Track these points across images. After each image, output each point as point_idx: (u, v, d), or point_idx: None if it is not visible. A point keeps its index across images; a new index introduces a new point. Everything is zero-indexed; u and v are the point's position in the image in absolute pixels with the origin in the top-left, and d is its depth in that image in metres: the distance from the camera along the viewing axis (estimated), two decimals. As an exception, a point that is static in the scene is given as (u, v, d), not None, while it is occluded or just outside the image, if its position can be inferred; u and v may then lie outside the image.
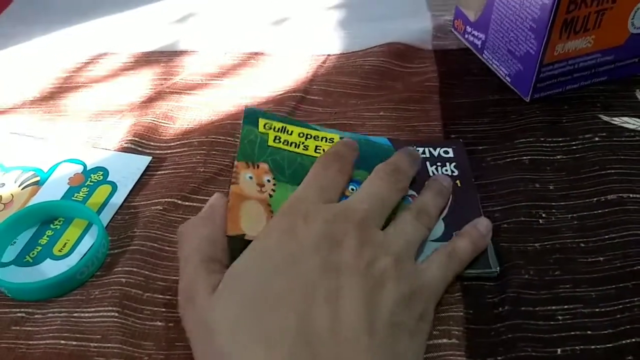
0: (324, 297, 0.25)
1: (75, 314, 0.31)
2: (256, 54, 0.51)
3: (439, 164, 0.37)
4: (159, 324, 0.30)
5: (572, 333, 0.28)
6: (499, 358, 0.28)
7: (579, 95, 0.44)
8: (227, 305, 0.25)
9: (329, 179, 0.32)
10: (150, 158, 0.40)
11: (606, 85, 0.45)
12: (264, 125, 0.35)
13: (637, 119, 0.42)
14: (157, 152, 0.41)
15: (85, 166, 0.40)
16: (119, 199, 0.38)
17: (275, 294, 0.25)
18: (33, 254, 0.34)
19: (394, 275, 0.27)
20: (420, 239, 0.31)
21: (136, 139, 0.41)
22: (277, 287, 0.25)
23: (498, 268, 0.31)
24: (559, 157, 0.38)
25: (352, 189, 0.33)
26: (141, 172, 0.39)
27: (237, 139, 0.41)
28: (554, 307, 0.30)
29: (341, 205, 0.30)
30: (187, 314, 0.27)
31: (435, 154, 0.38)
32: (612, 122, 0.42)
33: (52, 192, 0.38)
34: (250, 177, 0.32)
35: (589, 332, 0.28)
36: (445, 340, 0.29)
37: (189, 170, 0.39)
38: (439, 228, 0.33)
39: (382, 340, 0.25)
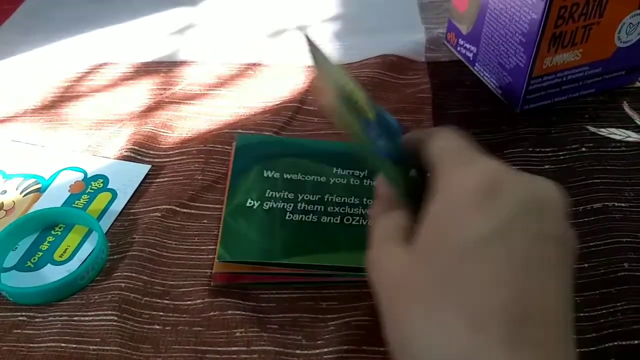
0: (542, 270, 0.21)
1: (75, 318, 0.32)
2: (254, 64, 0.52)
3: None
4: (157, 327, 0.31)
5: (558, 337, 0.29)
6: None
7: (567, 107, 0.45)
8: (423, 272, 0.22)
9: None
10: (149, 166, 0.41)
11: (594, 97, 0.46)
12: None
13: (624, 130, 0.43)
14: (156, 160, 0.42)
15: (85, 174, 0.41)
16: (118, 206, 0.38)
17: (479, 263, 0.21)
18: (34, 259, 0.35)
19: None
20: None
21: (136, 147, 0.42)
22: (482, 256, 0.21)
23: None
24: (547, 166, 0.40)
25: None
26: (140, 179, 0.40)
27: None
28: (540, 312, 0.31)
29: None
30: (374, 273, 0.24)
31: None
32: (599, 132, 0.43)
33: (53, 199, 0.39)
34: None
35: (573, 336, 0.29)
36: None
37: (187, 178, 0.40)
38: None
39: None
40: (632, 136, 0.42)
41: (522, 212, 0.22)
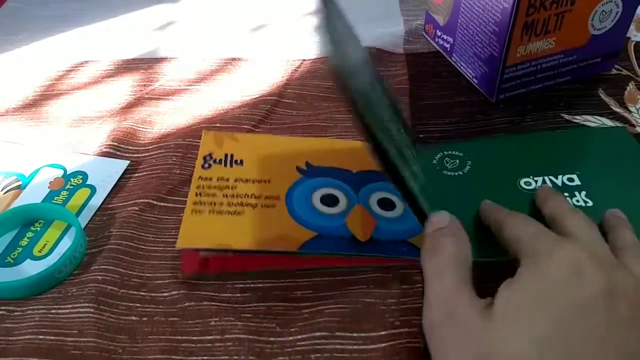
0: (616, 347, 0.24)
1: (53, 311, 0.32)
2: (233, 59, 0.53)
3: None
4: (134, 318, 0.32)
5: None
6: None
7: (543, 95, 0.46)
8: (511, 344, 0.24)
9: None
10: (128, 162, 0.41)
11: (570, 85, 0.46)
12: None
13: (599, 117, 0.44)
14: (135, 155, 0.42)
15: (65, 170, 0.41)
16: (97, 201, 0.39)
17: (567, 338, 0.24)
18: (14, 255, 0.36)
19: None
20: None
21: (115, 143, 0.43)
22: (569, 331, 0.24)
23: None
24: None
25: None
26: (119, 175, 0.41)
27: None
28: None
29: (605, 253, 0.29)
30: (447, 333, 0.26)
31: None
32: (574, 120, 0.43)
33: (33, 195, 0.40)
34: None
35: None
36: (405, 329, 0.30)
37: (165, 172, 0.40)
38: None
39: None
40: (607, 123, 0.43)
41: (602, 296, 0.25)
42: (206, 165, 0.37)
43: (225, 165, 0.37)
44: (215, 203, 0.34)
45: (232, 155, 0.38)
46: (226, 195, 0.35)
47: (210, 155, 0.38)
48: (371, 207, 0.36)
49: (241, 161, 0.38)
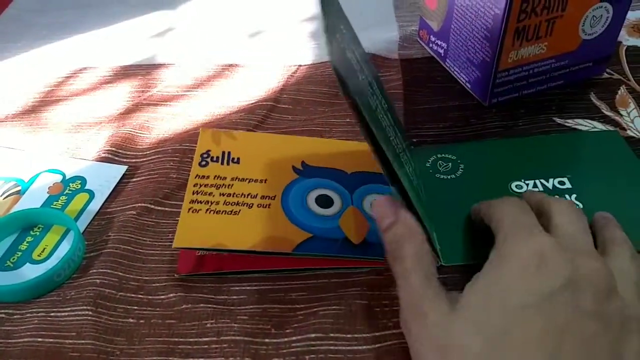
0: (575, 341, 0.24)
1: (51, 314, 0.33)
2: (230, 65, 0.53)
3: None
4: (131, 320, 0.32)
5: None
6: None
7: (535, 100, 0.46)
8: (465, 337, 0.25)
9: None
10: (126, 167, 0.42)
11: (562, 89, 0.47)
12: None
13: (590, 120, 0.44)
14: (133, 160, 0.43)
15: (64, 176, 0.42)
16: (95, 205, 0.39)
17: (523, 332, 0.24)
18: (14, 259, 0.36)
19: (637, 328, 0.25)
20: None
21: (113, 149, 0.43)
22: (525, 326, 0.24)
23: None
24: (513, 157, 0.41)
25: None
26: (117, 180, 0.41)
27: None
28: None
29: (586, 243, 0.28)
30: (415, 329, 0.27)
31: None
32: (566, 124, 0.44)
33: (33, 200, 0.40)
34: None
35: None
36: (398, 330, 0.30)
37: (162, 176, 0.41)
38: None
39: None
40: (598, 127, 0.44)
41: (565, 287, 0.25)
42: (203, 163, 0.37)
43: (222, 163, 0.37)
44: (212, 202, 0.35)
45: (229, 153, 0.38)
46: (223, 194, 0.35)
47: (207, 152, 0.38)
48: (365, 209, 0.36)
49: (238, 159, 0.38)
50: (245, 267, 0.34)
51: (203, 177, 0.36)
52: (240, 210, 0.35)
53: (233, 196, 0.35)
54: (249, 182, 0.36)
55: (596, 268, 0.26)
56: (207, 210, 0.34)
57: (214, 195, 0.35)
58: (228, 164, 0.37)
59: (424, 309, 0.26)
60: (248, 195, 0.36)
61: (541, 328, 0.24)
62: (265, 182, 0.37)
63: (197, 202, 0.34)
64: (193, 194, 0.35)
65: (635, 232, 0.31)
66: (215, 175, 0.36)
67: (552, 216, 0.29)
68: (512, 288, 0.25)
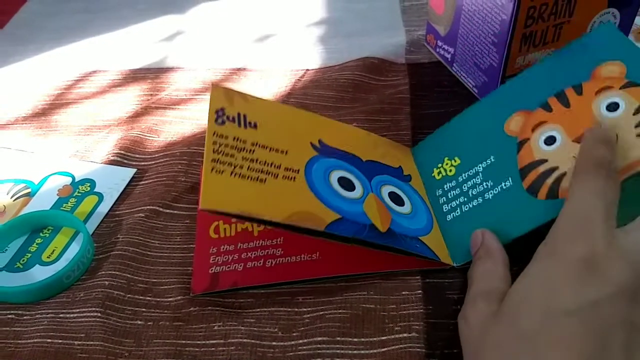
0: (618, 346, 0.23)
1: (60, 315, 0.33)
2: (239, 69, 0.54)
3: None
4: (139, 322, 0.32)
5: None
6: (456, 350, 0.30)
7: (542, 105, 0.46)
8: (498, 336, 0.25)
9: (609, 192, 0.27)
10: (135, 170, 0.42)
11: (569, 95, 0.47)
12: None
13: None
14: (142, 163, 0.43)
15: (73, 178, 0.42)
16: (104, 208, 0.40)
17: (560, 336, 0.23)
18: (23, 260, 0.37)
19: None
20: None
21: (122, 152, 0.44)
22: (566, 329, 0.23)
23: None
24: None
25: None
26: (126, 183, 0.42)
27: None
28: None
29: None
30: (462, 331, 0.28)
31: None
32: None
33: (42, 202, 0.41)
34: None
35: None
36: (405, 335, 0.31)
37: (170, 179, 0.41)
38: None
39: None
40: (605, 132, 0.43)
41: (615, 296, 0.23)
42: (220, 121, 0.33)
43: (240, 125, 0.33)
44: (235, 165, 0.31)
45: (245, 116, 0.34)
46: (245, 159, 0.32)
47: (222, 110, 0.33)
48: (384, 199, 0.35)
49: (255, 124, 0.34)
50: (260, 281, 0.34)
51: (221, 136, 0.32)
52: (266, 179, 0.32)
53: (257, 162, 0.32)
54: (270, 150, 0.33)
55: None
56: (231, 173, 0.31)
57: (235, 158, 0.32)
58: (245, 127, 0.34)
59: (467, 312, 0.28)
60: (272, 164, 0.33)
61: (581, 335, 0.23)
62: (286, 153, 0.34)
63: (220, 163, 0.31)
64: (214, 152, 0.31)
65: None
66: (235, 137, 0.33)
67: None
68: (557, 292, 0.24)
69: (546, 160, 0.33)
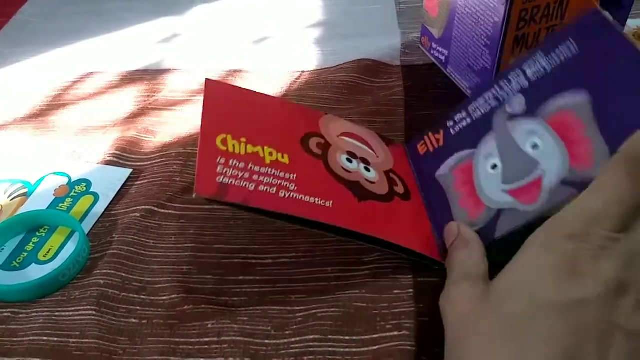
0: (597, 345, 0.23)
1: (56, 313, 0.33)
2: (235, 71, 0.54)
3: None
4: (134, 320, 0.33)
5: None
6: (446, 347, 0.30)
7: (535, 106, 0.47)
8: (485, 322, 0.25)
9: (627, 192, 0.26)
10: (130, 170, 0.43)
11: (562, 96, 0.47)
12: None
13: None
14: (138, 164, 0.44)
15: (70, 178, 0.43)
16: (100, 208, 0.40)
17: (546, 327, 0.24)
18: (20, 259, 0.37)
19: None
20: None
21: (118, 152, 0.44)
22: (550, 321, 0.24)
23: None
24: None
25: None
26: (122, 183, 0.42)
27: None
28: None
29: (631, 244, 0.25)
30: (447, 315, 0.28)
31: None
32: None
33: (39, 202, 0.41)
34: None
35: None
36: (396, 333, 0.31)
37: (166, 180, 0.41)
38: None
39: None
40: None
41: (601, 295, 0.24)
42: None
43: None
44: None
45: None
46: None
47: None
48: None
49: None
50: (273, 207, 0.31)
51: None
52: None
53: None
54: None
55: (632, 281, 0.24)
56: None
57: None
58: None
59: (452, 294, 0.29)
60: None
61: (565, 328, 0.23)
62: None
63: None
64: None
65: None
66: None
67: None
68: (547, 281, 0.25)
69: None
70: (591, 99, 0.31)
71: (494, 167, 0.34)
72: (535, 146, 0.33)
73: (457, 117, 0.39)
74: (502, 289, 0.26)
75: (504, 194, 0.33)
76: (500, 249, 0.29)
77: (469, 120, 0.38)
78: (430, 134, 0.41)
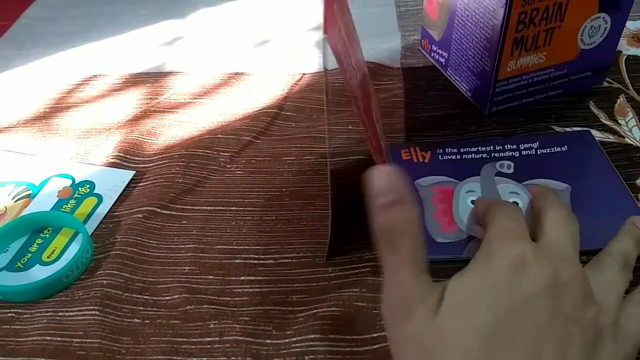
0: (554, 341, 0.24)
1: (60, 313, 0.34)
2: (237, 74, 0.54)
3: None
4: (137, 320, 0.33)
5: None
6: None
7: (535, 108, 0.47)
8: (455, 335, 0.25)
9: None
10: (133, 172, 0.43)
11: (562, 98, 0.48)
12: None
13: (589, 129, 0.45)
14: (141, 165, 0.44)
15: (73, 180, 0.43)
16: (104, 209, 0.41)
17: (509, 330, 0.24)
18: (24, 260, 0.37)
19: (611, 336, 0.27)
20: (623, 293, 0.30)
21: (121, 154, 0.45)
22: (511, 324, 0.24)
23: None
24: (511, 165, 0.42)
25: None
26: (125, 184, 0.42)
27: (215, 152, 0.44)
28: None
29: (569, 251, 0.29)
30: (400, 328, 0.26)
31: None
32: (564, 132, 0.45)
33: (43, 204, 0.41)
34: None
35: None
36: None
37: (168, 181, 0.42)
38: None
39: None
40: (596, 135, 0.44)
41: (544, 291, 0.25)
42: None
43: None
44: None
45: None
46: None
47: None
48: None
49: None
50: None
51: None
52: None
53: None
54: None
55: (574, 275, 0.27)
56: None
57: None
58: None
59: (412, 308, 0.25)
60: None
61: (524, 328, 0.24)
62: None
63: None
64: None
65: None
66: None
67: (544, 224, 0.31)
68: (499, 289, 0.26)
69: None
70: (571, 189, 0.39)
71: (474, 202, 0.38)
72: (515, 203, 0.37)
73: (448, 149, 0.43)
74: (462, 301, 0.26)
75: (478, 226, 0.36)
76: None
77: (458, 157, 0.42)
78: (417, 148, 0.43)
